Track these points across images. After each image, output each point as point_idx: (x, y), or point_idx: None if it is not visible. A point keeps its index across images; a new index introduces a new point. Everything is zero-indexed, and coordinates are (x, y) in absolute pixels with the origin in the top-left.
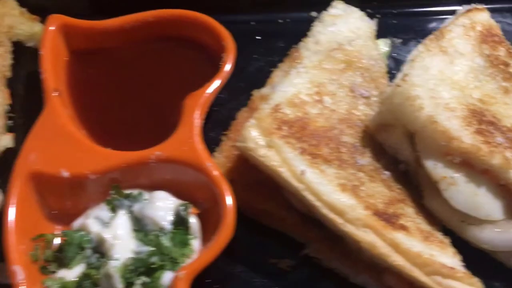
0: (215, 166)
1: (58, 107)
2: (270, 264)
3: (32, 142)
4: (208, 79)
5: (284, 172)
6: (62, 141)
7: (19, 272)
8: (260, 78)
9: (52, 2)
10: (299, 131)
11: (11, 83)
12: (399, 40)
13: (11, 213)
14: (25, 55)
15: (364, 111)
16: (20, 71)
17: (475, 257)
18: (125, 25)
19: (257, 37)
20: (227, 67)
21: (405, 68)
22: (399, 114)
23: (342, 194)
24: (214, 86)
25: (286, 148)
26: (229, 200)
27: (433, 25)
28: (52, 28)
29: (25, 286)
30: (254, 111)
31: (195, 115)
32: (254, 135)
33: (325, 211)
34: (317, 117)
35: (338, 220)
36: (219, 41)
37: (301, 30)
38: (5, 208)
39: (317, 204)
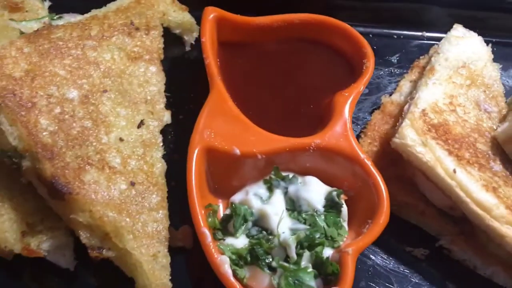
0: (368, 158)
1: (223, 90)
2: (406, 252)
3: (205, 120)
4: (347, 80)
5: (439, 170)
6: (232, 122)
7: (207, 234)
8: (382, 85)
9: None
10: (444, 135)
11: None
12: (500, 66)
13: (193, 183)
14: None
15: (489, 124)
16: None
17: None
18: (273, 24)
19: (376, 49)
20: (370, 72)
21: None
22: None
23: (487, 193)
24: (361, 88)
25: (438, 148)
26: (385, 192)
27: None
28: (211, 17)
29: (213, 248)
30: (389, 115)
31: (346, 112)
32: (411, 133)
33: (473, 207)
34: (455, 124)
35: (486, 216)
36: (360, 48)
37: (413, 46)
38: (188, 177)
39: (467, 200)
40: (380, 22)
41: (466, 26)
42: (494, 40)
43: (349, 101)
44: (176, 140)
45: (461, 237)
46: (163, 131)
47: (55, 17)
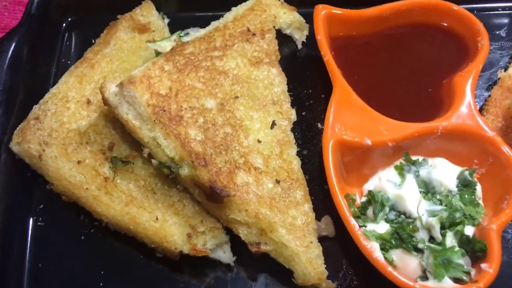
0: (497, 134)
1: (346, 85)
2: None
3: (334, 115)
4: (463, 60)
5: None
6: (360, 114)
7: (355, 223)
8: (494, 60)
9: None
10: None
11: None
12: None
13: (333, 175)
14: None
15: None
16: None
17: None
18: (382, 14)
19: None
20: (486, 50)
21: None
22: None
23: None
24: (479, 67)
25: None
26: None
27: None
28: (322, 15)
29: (361, 236)
30: (508, 89)
31: (468, 92)
32: None
33: None
34: None
35: None
36: (472, 27)
37: None
38: (327, 171)
39: None
40: None
41: None
42: None
43: (469, 81)
44: (303, 136)
45: None
46: (292, 129)
47: (182, 34)
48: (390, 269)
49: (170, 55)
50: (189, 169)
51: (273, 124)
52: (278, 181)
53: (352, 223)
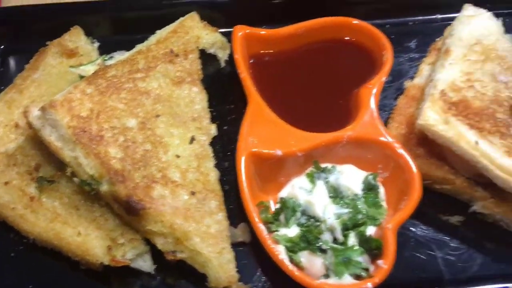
0: (397, 141)
1: (260, 100)
2: (442, 220)
3: (247, 128)
4: (370, 73)
5: (462, 143)
6: (272, 127)
7: (264, 229)
8: (404, 71)
9: (221, 15)
10: (464, 111)
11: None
12: None
13: (245, 185)
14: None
15: (506, 93)
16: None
17: None
18: (296, 32)
19: (393, 38)
20: (389, 62)
21: None
22: None
23: (509, 158)
24: (383, 79)
25: (459, 124)
26: (415, 169)
27: None
28: (240, 35)
29: (269, 240)
30: (412, 98)
31: (372, 102)
32: (433, 114)
33: (498, 172)
34: (473, 99)
35: (510, 179)
36: (378, 41)
37: (429, 29)
38: (239, 181)
39: (491, 167)
40: (395, 11)
41: (478, 2)
42: (506, 11)
43: (373, 92)
44: (224, 149)
45: (491, 200)
46: (212, 143)
47: (106, 58)
48: (292, 268)
49: (92, 79)
50: (108, 185)
51: (192, 140)
52: (193, 193)
53: (260, 228)
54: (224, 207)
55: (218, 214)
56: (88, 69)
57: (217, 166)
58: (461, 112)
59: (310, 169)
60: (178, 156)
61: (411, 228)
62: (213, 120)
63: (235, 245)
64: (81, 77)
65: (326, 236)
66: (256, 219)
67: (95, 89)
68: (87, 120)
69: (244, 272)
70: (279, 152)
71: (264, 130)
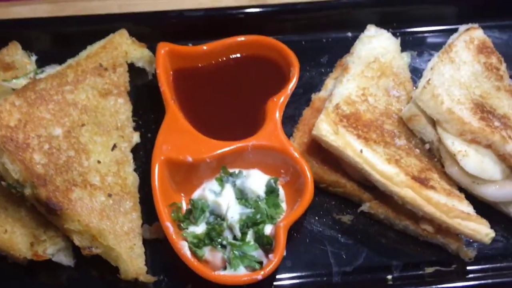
0: (296, 150)
1: (176, 111)
2: (335, 219)
3: (162, 137)
4: (279, 86)
5: (348, 151)
6: (184, 136)
7: (170, 227)
8: (314, 84)
9: (150, 32)
10: (354, 122)
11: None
12: (415, 52)
13: (156, 188)
14: (133, 73)
15: (397, 107)
16: (132, 84)
17: (482, 208)
18: (215, 48)
19: (308, 53)
20: (295, 78)
21: (427, 74)
22: (426, 107)
23: (389, 165)
24: (288, 92)
25: (347, 134)
26: (309, 174)
27: (439, 40)
28: (163, 52)
29: (175, 236)
30: (317, 110)
31: (276, 114)
32: (325, 126)
33: (378, 177)
34: (365, 112)
35: (388, 183)
36: (287, 58)
37: (340, 46)
38: (152, 184)
39: (373, 172)
40: (311, 29)
41: (387, 21)
42: (410, 30)
43: (278, 105)
44: (147, 154)
45: (375, 202)
46: (136, 149)
47: (38, 71)
48: (192, 261)
49: (22, 92)
50: (31, 188)
51: (114, 147)
52: (110, 195)
53: (167, 226)
54: (138, 207)
55: (132, 214)
56: (20, 82)
57: (140, 170)
58: (352, 123)
59: (219, 174)
60: (99, 162)
61: (307, 226)
62: (138, 128)
63: (150, 242)
64: (14, 89)
65: (227, 233)
66: (164, 218)
67: (24, 101)
68: (15, 130)
69: (155, 266)
70: (189, 159)
71: (177, 139)
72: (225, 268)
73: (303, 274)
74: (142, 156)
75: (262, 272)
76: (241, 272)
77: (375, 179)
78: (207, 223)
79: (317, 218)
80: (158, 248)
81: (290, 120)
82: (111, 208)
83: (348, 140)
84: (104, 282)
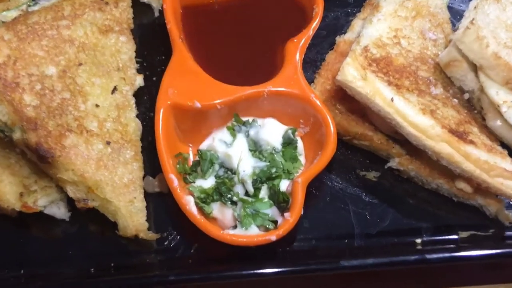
0: (318, 97)
1: (184, 51)
2: (359, 176)
3: (168, 79)
4: (300, 27)
5: (377, 100)
6: (193, 79)
7: (175, 179)
8: (339, 26)
9: None
10: (385, 67)
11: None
12: None
13: (160, 136)
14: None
15: (433, 51)
16: (136, 22)
17: None
18: None
19: None
20: (318, 17)
21: (470, 15)
22: (468, 51)
23: (423, 116)
24: (310, 33)
25: (377, 81)
26: (331, 124)
27: None
28: None
29: (179, 190)
30: (341, 54)
31: (296, 57)
32: (351, 70)
33: (410, 129)
34: (397, 56)
35: (421, 136)
36: None
37: None
38: (156, 132)
39: (404, 124)
40: None
41: None
42: None
43: (299, 47)
44: (151, 99)
45: (406, 157)
46: (139, 93)
47: (31, 4)
48: (199, 218)
49: (12, 25)
50: (20, 132)
51: (114, 90)
52: (108, 143)
53: (171, 179)
54: (140, 158)
55: (133, 164)
56: (11, 15)
57: (143, 117)
58: (382, 69)
59: (231, 122)
60: (97, 106)
61: (328, 183)
62: (142, 71)
63: (153, 195)
64: (4, 22)
65: (238, 188)
66: (169, 169)
67: (14, 36)
68: (3, 67)
69: (158, 222)
70: (198, 104)
71: (185, 82)
72: (235, 227)
73: (322, 235)
74: (146, 101)
75: (276, 233)
76: (253, 232)
77: (406, 132)
78: (216, 176)
79: (339, 174)
80: (161, 202)
81: (312, 66)
82: (110, 157)
83: (378, 86)
84: (102, 238)
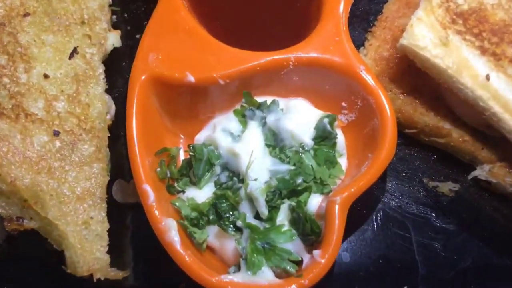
0: (369, 70)
1: None
2: (428, 188)
3: (150, 39)
4: None
5: (465, 77)
6: (184, 39)
7: (150, 192)
8: None
9: None
10: (477, 26)
11: None
12: None
13: (133, 124)
14: None
15: None
16: None
17: None
18: None
19: None
20: None
21: None
22: None
23: None
24: None
25: (464, 47)
26: (389, 111)
27: None
28: None
29: (156, 210)
30: (407, 3)
31: (340, 7)
32: (425, 30)
33: None
34: (495, 9)
35: None
36: None
37: None
38: (127, 118)
39: (505, 116)
40: None
41: None
42: None
43: None
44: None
45: (501, 164)
46: (114, 58)
47: None
48: (183, 256)
49: None
50: None
51: (74, 52)
52: (56, 133)
53: (144, 190)
54: (105, 155)
55: (93, 165)
56: None
57: (118, 93)
58: (472, 28)
59: (241, 104)
60: (46, 76)
61: (380, 196)
62: (120, 24)
63: (125, 209)
64: None
65: (245, 207)
66: (142, 177)
67: None
68: None
69: (127, 252)
70: (191, 78)
71: (174, 44)
72: (238, 267)
73: (369, 278)
74: (125, 69)
75: (301, 281)
76: (265, 279)
77: (507, 128)
78: (217, 184)
79: (397, 184)
80: (137, 219)
81: (362, 20)
82: (58, 155)
83: (465, 56)
84: (45, 273)
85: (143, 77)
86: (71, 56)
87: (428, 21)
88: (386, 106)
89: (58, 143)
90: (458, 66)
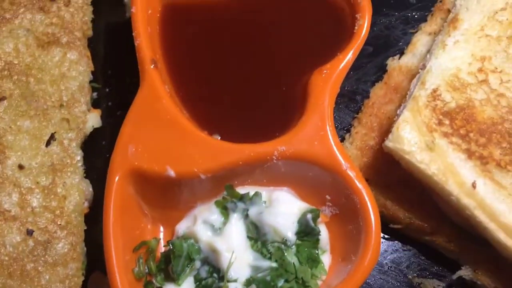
0: (354, 167)
1: (157, 84)
2: (413, 285)
3: (130, 129)
4: (333, 48)
5: (450, 185)
6: (165, 130)
7: None
8: (391, 42)
9: None
10: (464, 126)
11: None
12: None
13: (111, 223)
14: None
15: None
16: (99, 25)
17: None
18: None
19: None
20: (363, 30)
21: None
22: None
23: None
24: (348, 58)
25: (450, 151)
26: (373, 217)
27: None
28: None
29: None
30: (395, 88)
31: (326, 98)
32: (410, 134)
33: (501, 235)
34: (483, 105)
35: None
36: None
37: None
38: (104, 216)
39: (491, 226)
40: None
41: None
42: None
43: (331, 82)
44: (112, 145)
45: (488, 265)
46: (92, 137)
47: None
48: None
49: None
50: None
51: (51, 139)
52: (30, 232)
53: None
54: (80, 253)
55: (68, 265)
56: None
57: (99, 174)
58: (458, 128)
59: (222, 195)
60: (21, 167)
61: None
62: (100, 101)
63: None
64: None
65: None
66: (117, 280)
67: None
68: None
69: None
70: (171, 172)
71: (154, 134)
72: None
73: None
74: (105, 148)
75: None
76: None
77: (494, 238)
78: (196, 279)
79: (383, 280)
80: None
81: (348, 101)
82: (31, 256)
83: (451, 161)
84: None
85: (121, 172)
86: (48, 144)
87: (415, 123)
88: (371, 209)
89: (31, 243)
90: (444, 173)
